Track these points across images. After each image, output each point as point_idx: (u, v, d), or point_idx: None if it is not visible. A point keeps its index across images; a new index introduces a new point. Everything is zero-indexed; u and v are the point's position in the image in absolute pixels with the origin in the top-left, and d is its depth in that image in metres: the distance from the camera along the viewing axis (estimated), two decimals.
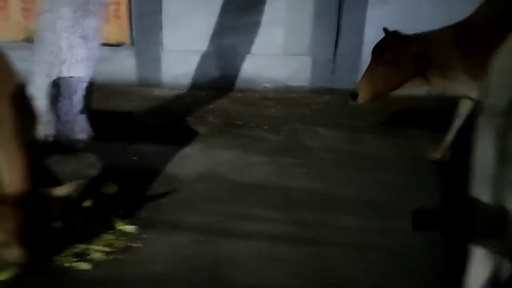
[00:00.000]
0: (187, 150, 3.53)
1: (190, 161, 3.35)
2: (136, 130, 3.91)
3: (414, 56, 3.03)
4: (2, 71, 2.17)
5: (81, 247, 2.37)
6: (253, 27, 5.34)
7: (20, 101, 2.18)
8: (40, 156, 2.35)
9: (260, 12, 5.29)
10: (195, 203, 2.85)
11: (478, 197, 1.61)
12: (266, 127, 4.05)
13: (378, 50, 3.17)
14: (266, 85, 5.38)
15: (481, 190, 1.59)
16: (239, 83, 5.41)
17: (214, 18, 5.35)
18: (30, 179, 2.09)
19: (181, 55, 5.35)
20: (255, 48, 5.39)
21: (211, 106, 4.71)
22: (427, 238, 2.44)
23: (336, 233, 2.58)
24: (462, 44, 3.04)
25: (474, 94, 3.08)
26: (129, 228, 2.56)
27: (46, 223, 2.16)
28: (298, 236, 2.56)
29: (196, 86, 5.37)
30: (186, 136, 3.79)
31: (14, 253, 2.07)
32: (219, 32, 5.38)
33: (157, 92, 5.18)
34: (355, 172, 3.28)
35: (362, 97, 3.16)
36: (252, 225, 2.64)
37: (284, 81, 5.33)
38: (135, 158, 3.38)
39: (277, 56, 5.36)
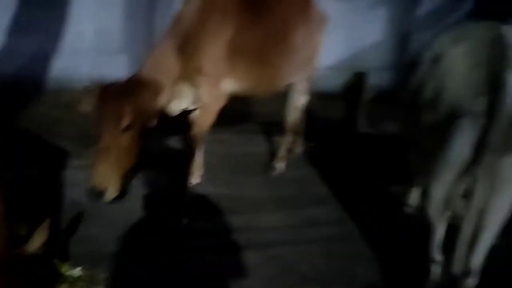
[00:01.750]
0: None
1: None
2: None
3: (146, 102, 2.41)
4: None
5: None
6: (59, 23, 4.84)
7: None
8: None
9: (66, 5, 4.82)
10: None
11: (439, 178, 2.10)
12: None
13: (105, 121, 2.32)
14: (85, 84, 4.98)
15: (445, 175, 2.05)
16: (50, 83, 4.86)
17: (10, 12, 4.64)
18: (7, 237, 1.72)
19: None
20: (63, 45, 4.91)
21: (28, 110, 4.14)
22: None
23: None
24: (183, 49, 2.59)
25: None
26: (77, 271, 2.24)
27: None
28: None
29: None
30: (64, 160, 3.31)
31: None
32: (16, 28, 4.69)
33: None
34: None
35: (113, 191, 2.33)
36: None
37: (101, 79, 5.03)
38: None
39: (88, 53, 5.00)
